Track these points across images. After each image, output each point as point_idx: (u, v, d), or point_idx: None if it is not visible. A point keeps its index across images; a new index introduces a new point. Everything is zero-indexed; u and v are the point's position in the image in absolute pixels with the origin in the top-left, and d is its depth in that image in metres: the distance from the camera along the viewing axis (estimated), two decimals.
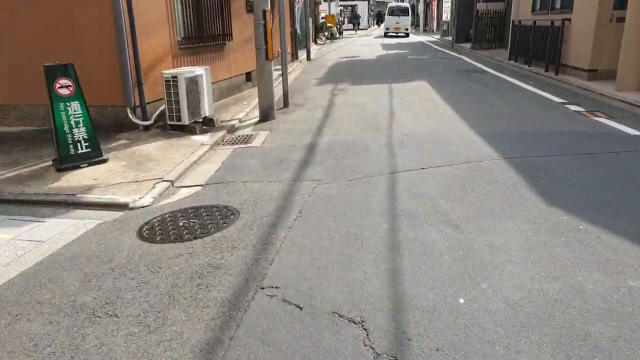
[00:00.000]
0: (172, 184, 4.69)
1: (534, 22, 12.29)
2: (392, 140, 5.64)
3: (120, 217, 3.95)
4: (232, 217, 3.69)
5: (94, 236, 3.55)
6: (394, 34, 30.53)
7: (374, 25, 47.69)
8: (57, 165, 5.06)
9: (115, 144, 5.91)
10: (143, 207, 4.15)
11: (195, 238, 3.34)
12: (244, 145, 6.03)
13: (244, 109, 8.20)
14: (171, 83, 6.30)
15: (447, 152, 4.99)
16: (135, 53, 6.29)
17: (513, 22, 14.14)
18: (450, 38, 24.34)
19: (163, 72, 6.39)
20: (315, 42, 22.96)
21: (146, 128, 6.49)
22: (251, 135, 6.55)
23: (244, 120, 7.56)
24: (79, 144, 5.11)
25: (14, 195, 4.45)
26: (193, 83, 6.49)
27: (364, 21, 40.80)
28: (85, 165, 5.13)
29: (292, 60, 15.85)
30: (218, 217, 3.70)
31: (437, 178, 4.21)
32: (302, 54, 16.75)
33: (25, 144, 6.04)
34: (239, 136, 6.54)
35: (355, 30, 36.86)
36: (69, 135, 5.05)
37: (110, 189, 4.48)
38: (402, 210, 3.51)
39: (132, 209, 4.13)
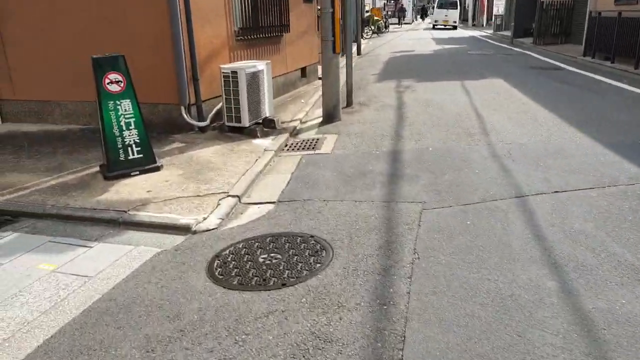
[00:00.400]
0: (239, 200, 3.93)
1: (619, 14, 10.95)
2: (495, 150, 4.70)
3: (182, 243, 3.21)
4: (323, 253, 2.87)
5: (153, 273, 2.80)
6: (442, 27, 30.64)
7: (417, 20, 46.15)
8: (105, 172, 4.39)
9: (169, 147, 5.21)
10: (208, 230, 3.40)
11: (284, 285, 2.54)
12: (311, 152, 5.22)
13: (303, 108, 7.41)
14: (230, 79, 5.56)
15: (577, 170, 4.01)
16: (191, 44, 5.57)
17: (590, 13, 12.79)
18: (504, 32, 22.93)
19: (221, 66, 5.65)
20: (362, 36, 21.98)
21: (202, 129, 5.78)
22: (317, 139, 5.73)
23: (305, 121, 6.77)
24: (129, 149, 4.43)
25: (57, 209, 3.79)
26: (254, 79, 5.73)
27: (408, 15, 39.39)
28: (137, 173, 4.44)
29: (342, 55, 14.97)
30: (306, 253, 2.89)
31: (584, 207, 3.27)
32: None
33: (70, 145, 5.44)
34: (304, 140, 5.74)
35: (400, 24, 35.56)
36: (119, 139, 4.37)
37: (168, 205, 3.76)
38: (563, 258, 2.60)
39: (195, 232, 3.39)
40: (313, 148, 5.38)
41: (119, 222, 3.57)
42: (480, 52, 15.21)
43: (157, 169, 4.54)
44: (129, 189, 4.12)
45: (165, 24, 5.43)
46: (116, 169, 4.38)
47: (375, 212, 3.42)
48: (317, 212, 3.51)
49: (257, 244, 3.07)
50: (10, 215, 3.83)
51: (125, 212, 3.66)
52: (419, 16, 46.53)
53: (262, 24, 7.40)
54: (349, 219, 3.34)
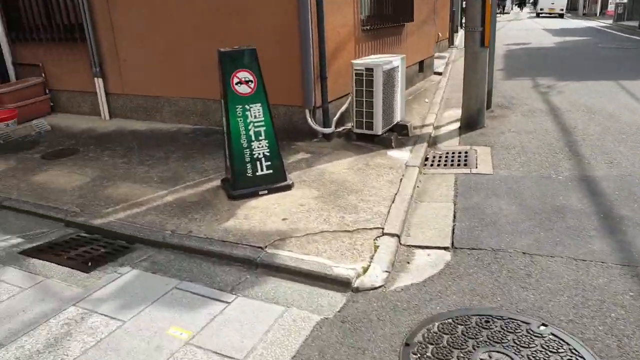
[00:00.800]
0: (399, 240, 3.02)
1: None
2: None
3: (347, 310, 2.37)
4: None
5: None
6: (547, 15, 28.94)
7: (513, 9, 42.78)
8: (230, 189, 3.69)
9: (294, 159, 4.43)
10: (374, 288, 2.54)
11: None
12: (465, 171, 4.21)
13: (431, 110, 6.38)
14: (364, 78, 4.67)
15: None
16: (320, 36, 4.74)
17: None
18: (628, 23, 20.21)
19: (353, 62, 4.77)
20: (460, 26, 20.32)
21: (326, 137, 4.95)
22: (466, 152, 4.70)
23: (439, 127, 5.75)
24: (258, 163, 3.68)
25: (179, 237, 3.11)
26: (389, 78, 4.80)
27: (507, 4, 36.44)
28: (265, 192, 3.69)
29: (449, 47, 13.66)
30: None
31: None
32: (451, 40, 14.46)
33: (182, 149, 4.84)
34: (448, 153, 4.73)
35: (501, 14, 32.96)
36: (247, 151, 3.63)
37: (312, 243, 2.94)
38: None
39: (358, 290, 2.54)
40: (465, 165, 4.36)
41: (255, 263, 2.82)
42: (614, 45, 13.16)
43: (288, 187, 3.77)
44: (260, 215, 3.36)
45: (292, 12, 4.64)
46: (242, 186, 3.65)
47: (622, 285, 2.36)
48: (526, 275, 2.52)
49: (460, 327, 2.14)
50: (125, 240, 3.23)
51: (262, 249, 2.90)
52: (516, 5, 43.11)
53: (387, 12, 6.43)
54: (587, 295, 2.30)
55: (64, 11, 5.95)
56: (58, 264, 2.93)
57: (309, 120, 4.84)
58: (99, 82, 5.96)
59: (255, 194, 3.67)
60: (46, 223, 3.54)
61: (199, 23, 5.16)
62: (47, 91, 6.44)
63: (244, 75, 3.56)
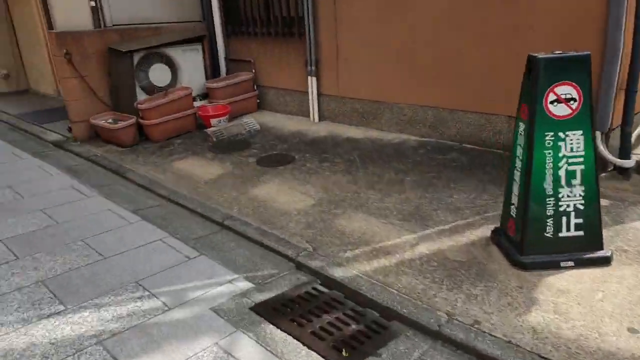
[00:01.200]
0: None
1: None
2: None
3: None
4: None
5: None
6: None
7: None
8: (514, 250, 2.58)
9: None
10: None
11: None
12: None
13: None
14: None
15: None
16: (637, 31, 3.28)
17: None
18: None
19: None
20: None
21: (620, 171, 3.51)
22: None
23: None
24: (564, 219, 2.49)
25: (464, 332, 2.14)
26: None
27: None
28: (570, 264, 2.49)
29: None
30: None
31: None
32: None
33: (415, 171, 3.86)
34: None
35: None
36: (551, 200, 2.46)
37: None
38: None
39: None
40: None
41: None
42: None
43: (606, 261, 2.51)
44: (579, 309, 2.18)
45: None
46: (536, 250, 2.51)
47: None
48: None
49: None
50: (378, 312, 2.34)
51: None
52: None
53: None
54: None
55: (284, 3, 5.44)
56: (303, 344, 2.15)
57: (600, 146, 3.45)
58: (312, 82, 5.35)
59: (554, 265, 2.49)
60: (273, 259, 2.88)
61: (443, 14, 4.11)
62: (255, 87, 6.10)
63: (565, 90, 2.37)
